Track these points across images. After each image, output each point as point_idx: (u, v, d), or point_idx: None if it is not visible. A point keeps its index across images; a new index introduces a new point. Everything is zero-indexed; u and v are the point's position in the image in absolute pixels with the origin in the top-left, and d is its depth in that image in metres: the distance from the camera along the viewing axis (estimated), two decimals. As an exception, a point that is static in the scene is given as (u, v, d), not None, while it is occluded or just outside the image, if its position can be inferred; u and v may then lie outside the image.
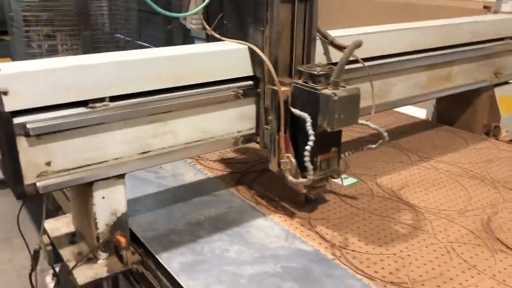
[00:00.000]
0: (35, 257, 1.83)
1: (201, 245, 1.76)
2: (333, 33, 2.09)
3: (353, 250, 1.77)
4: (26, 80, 1.36)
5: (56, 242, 1.80)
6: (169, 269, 1.62)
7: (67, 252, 1.74)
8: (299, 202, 2.04)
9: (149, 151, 1.67)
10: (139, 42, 5.95)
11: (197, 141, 1.78)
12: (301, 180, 1.73)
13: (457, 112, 3.07)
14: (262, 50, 1.74)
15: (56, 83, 1.41)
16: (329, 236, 1.85)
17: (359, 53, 2.12)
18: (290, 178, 1.74)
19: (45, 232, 1.87)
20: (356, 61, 2.03)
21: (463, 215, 2.04)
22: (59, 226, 1.90)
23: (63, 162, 1.50)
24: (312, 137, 1.59)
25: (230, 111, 1.82)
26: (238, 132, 1.87)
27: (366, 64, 2.18)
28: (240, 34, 1.83)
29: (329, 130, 1.62)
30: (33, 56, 5.13)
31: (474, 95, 2.96)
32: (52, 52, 5.48)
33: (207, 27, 1.82)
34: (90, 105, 1.50)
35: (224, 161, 2.47)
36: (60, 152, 1.48)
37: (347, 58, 1.63)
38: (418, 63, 2.41)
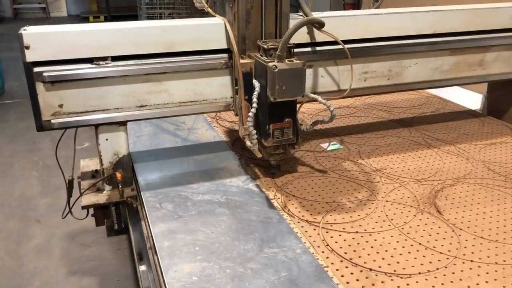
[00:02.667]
0: (69, 186, 2.28)
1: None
2: (338, 14, 2.25)
3: (293, 195, 2.02)
4: (43, 38, 1.80)
5: (82, 176, 2.25)
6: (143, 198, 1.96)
7: (85, 183, 2.18)
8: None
9: (146, 105, 2.03)
10: None
11: (191, 101, 2.09)
12: (249, 144, 1.88)
13: (508, 104, 2.91)
14: (233, 26, 1.96)
15: (67, 42, 1.83)
16: (282, 184, 2.12)
17: (369, 33, 2.25)
18: (248, 142, 1.91)
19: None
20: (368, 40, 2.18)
21: (419, 183, 2.14)
22: (90, 164, 2.36)
23: (73, 105, 1.92)
24: (255, 104, 1.79)
25: (222, 78, 2.10)
26: (231, 97, 2.14)
27: (373, 44, 2.29)
28: (221, 11, 2.09)
29: (272, 99, 1.78)
30: None
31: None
32: None
33: (204, 4, 2.12)
34: (95, 62, 1.90)
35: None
36: (70, 97, 1.91)
37: (290, 34, 1.77)
38: (437, 47, 2.40)
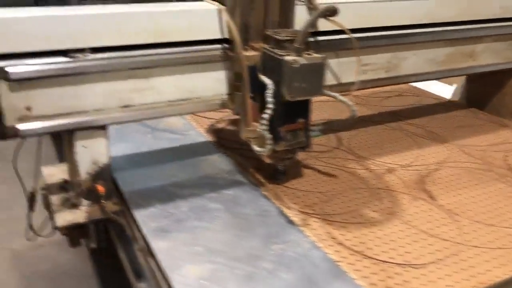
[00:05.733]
0: (31, 199, 1.94)
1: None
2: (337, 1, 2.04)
3: (284, 186, 1.92)
4: (5, 26, 1.44)
5: (48, 188, 1.90)
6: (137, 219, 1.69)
7: (55, 198, 1.84)
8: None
9: (131, 105, 1.72)
10: None
11: (182, 99, 1.81)
12: (259, 149, 1.69)
13: (487, 95, 2.88)
14: (233, 12, 1.71)
15: (36, 31, 1.48)
16: (265, 173, 1.99)
17: (364, 23, 2.07)
18: (255, 147, 1.71)
19: (41, 177, 1.99)
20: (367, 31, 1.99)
21: (405, 168, 2.13)
22: (55, 172, 2.00)
23: (43, 108, 1.57)
24: (271, 105, 1.56)
25: (217, 73, 1.83)
26: (227, 94, 1.88)
27: (372, 34, 2.12)
28: None
29: (289, 99, 1.58)
30: None
31: (506, 76, 2.76)
32: None
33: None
34: (70, 55, 1.56)
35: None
36: (39, 98, 1.55)
37: (311, 24, 1.57)
38: (432, 37, 2.28)
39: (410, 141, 2.41)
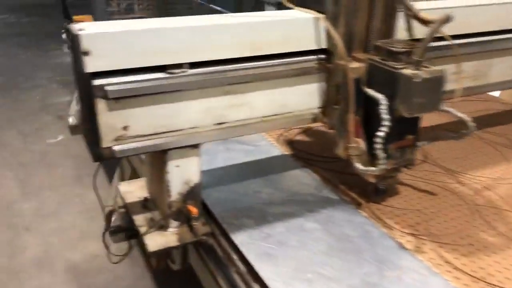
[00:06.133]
0: (108, 218, 1.86)
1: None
2: (427, 5, 1.91)
3: (379, 203, 1.81)
4: (107, 41, 1.33)
5: (130, 206, 1.81)
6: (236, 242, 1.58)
7: (139, 218, 1.75)
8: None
9: (225, 122, 1.61)
10: (210, 5, 6.05)
11: (274, 115, 1.70)
12: (370, 168, 1.58)
13: None
14: (335, 20, 1.60)
15: (137, 45, 1.37)
16: (358, 190, 1.88)
17: (457, 29, 1.94)
18: (358, 165, 1.60)
19: (118, 194, 1.90)
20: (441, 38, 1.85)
21: (498, 182, 2.00)
22: (132, 189, 1.91)
23: (140, 127, 1.48)
24: (386, 122, 1.45)
25: (310, 86, 1.71)
26: (318, 108, 1.76)
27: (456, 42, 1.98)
28: (312, 2, 1.69)
29: (406, 115, 1.47)
30: (111, 14, 5.48)
31: None
32: (128, 10, 5.91)
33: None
34: (169, 70, 1.46)
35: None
36: (137, 116, 1.46)
37: (433, 34, 1.45)
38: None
39: (494, 151, 2.27)
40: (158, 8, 6.21)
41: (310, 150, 2.19)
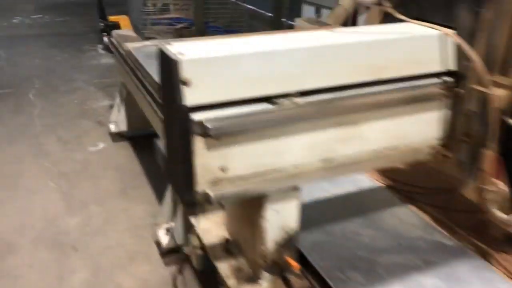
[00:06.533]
0: (181, 265, 1.62)
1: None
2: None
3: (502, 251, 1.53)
4: (212, 68, 1.09)
5: (210, 250, 1.57)
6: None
7: (224, 266, 1.50)
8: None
9: (332, 158, 1.35)
10: (246, 5, 5.88)
11: (387, 148, 1.43)
12: (504, 216, 1.34)
13: None
14: (471, 37, 1.33)
15: (244, 72, 1.13)
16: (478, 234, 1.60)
17: None
18: (498, 213, 1.35)
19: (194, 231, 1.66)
20: None
21: None
22: (209, 226, 1.67)
23: (239, 167, 1.23)
24: None
25: (430, 114, 1.44)
26: (437, 139, 1.49)
27: None
28: (437, 14, 1.42)
29: None
30: (147, 14, 5.44)
31: None
32: (164, 11, 5.83)
33: (385, 3, 1.44)
34: (275, 101, 1.20)
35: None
36: (237, 156, 1.21)
37: None
38: None
39: None
40: (195, 8, 6.05)
41: (410, 181, 1.90)
